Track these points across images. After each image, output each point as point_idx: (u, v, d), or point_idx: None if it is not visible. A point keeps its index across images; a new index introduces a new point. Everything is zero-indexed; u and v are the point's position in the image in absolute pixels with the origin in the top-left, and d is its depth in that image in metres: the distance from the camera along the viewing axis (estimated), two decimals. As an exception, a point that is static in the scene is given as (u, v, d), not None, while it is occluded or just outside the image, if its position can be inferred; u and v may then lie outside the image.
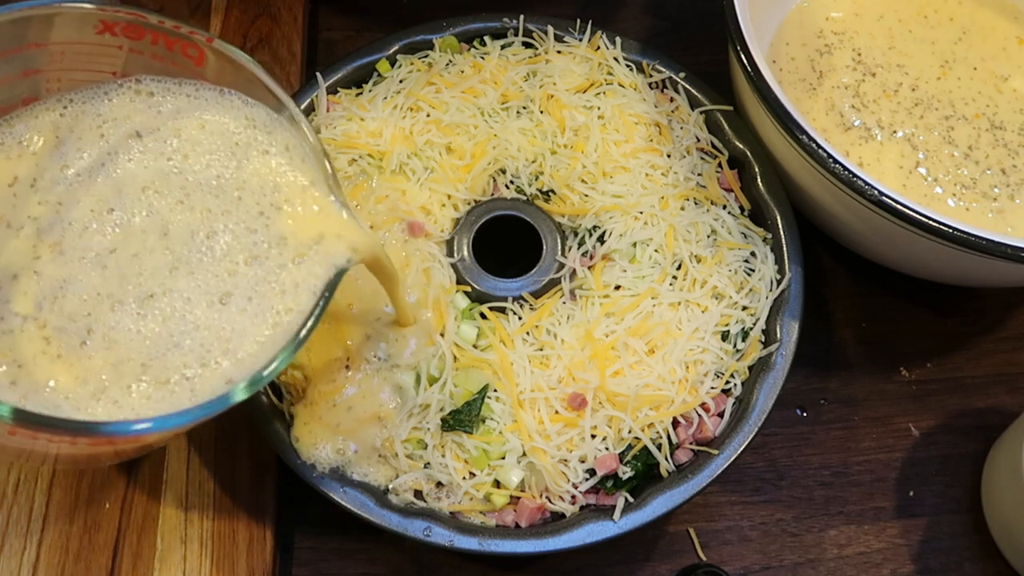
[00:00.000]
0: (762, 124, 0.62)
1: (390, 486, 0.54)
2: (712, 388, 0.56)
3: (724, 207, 0.62)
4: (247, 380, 0.42)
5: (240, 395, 0.42)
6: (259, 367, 0.42)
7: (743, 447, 0.55)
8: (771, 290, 0.59)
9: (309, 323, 0.43)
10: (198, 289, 0.44)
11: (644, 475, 0.55)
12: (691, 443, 0.56)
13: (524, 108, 0.63)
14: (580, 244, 0.60)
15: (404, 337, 0.54)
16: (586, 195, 0.60)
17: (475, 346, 0.56)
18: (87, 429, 0.39)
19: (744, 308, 0.59)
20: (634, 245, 0.59)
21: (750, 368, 0.58)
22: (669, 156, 0.62)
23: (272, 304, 0.44)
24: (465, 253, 0.58)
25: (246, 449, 0.62)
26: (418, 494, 0.55)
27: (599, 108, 0.63)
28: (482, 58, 0.65)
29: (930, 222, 0.53)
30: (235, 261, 0.45)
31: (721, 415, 0.57)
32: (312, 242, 0.45)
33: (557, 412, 0.54)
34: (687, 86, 0.66)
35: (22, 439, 0.40)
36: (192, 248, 0.45)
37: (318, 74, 0.64)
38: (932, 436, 0.67)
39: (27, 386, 0.41)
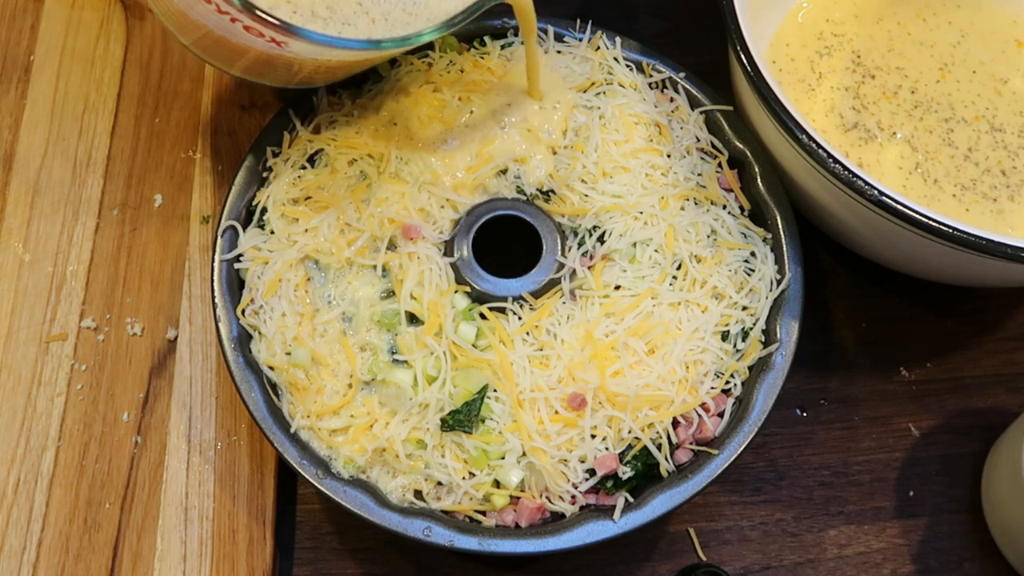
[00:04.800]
0: (762, 124, 0.62)
1: (390, 486, 0.54)
2: (712, 388, 0.56)
3: (724, 207, 0.62)
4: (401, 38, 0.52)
5: (394, 44, 0.52)
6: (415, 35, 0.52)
7: (743, 447, 0.55)
8: (771, 290, 0.59)
9: (459, 19, 0.53)
10: None
11: (644, 475, 0.55)
12: (691, 443, 0.56)
13: (524, 108, 0.63)
14: (580, 244, 0.60)
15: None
16: (586, 195, 0.60)
17: (475, 346, 0.56)
18: (288, 29, 0.48)
19: (744, 308, 0.59)
20: (634, 245, 0.59)
21: (750, 368, 0.58)
22: (669, 156, 0.62)
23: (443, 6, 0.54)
24: (465, 253, 0.58)
25: (246, 449, 0.62)
26: (418, 494, 0.55)
27: (599, 108, 0.63)
28: (482, 58, 0.65)
29: (930, 222, 0.53)
30: None
31: (721, 415, 0.57)
32: None
33: (557, 412, 0.54)
34: (687, 86, 0.66)
35: (238, 30, 0.50)
36: None
37: (318, 74, 0.64)
38: (932, 436, 0.67)
39: None
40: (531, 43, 0.61)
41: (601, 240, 0.59)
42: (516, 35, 0.67)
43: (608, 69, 0.65)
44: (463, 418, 0.54)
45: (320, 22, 0.52)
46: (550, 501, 0.54)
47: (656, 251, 0.59)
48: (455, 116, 0.62)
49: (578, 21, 0.67)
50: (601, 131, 0.62)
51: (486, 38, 0.67)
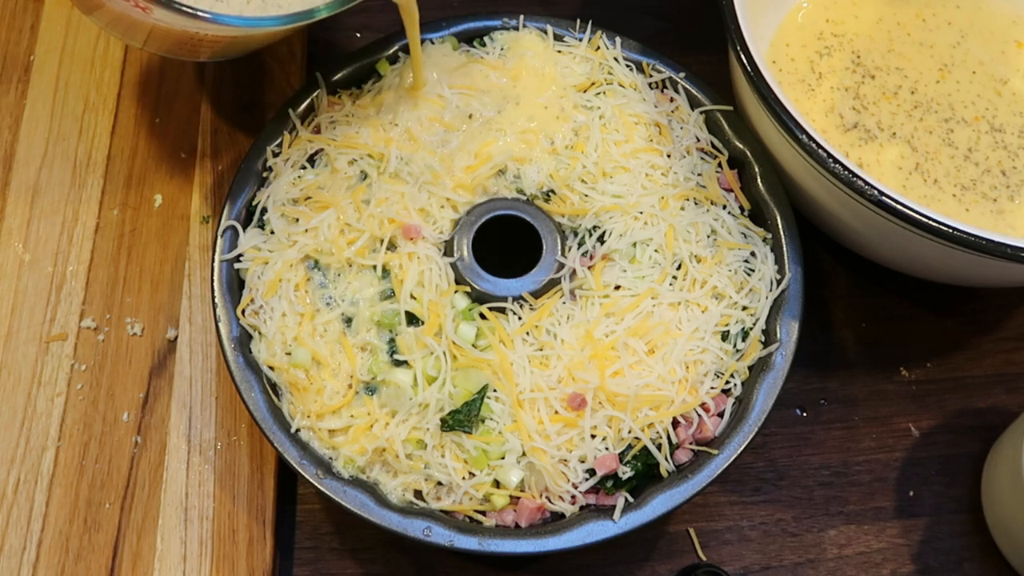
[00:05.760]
0: (762, 124, 0.62)
1: (390, 486, 0.54)
2: (712, 388, 0.56)
3: (724, 207, 0.62)
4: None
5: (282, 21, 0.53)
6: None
7: (743, 447, 0.55)
8: (771, 290, 0.59)
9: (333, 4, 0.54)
10: None
11: (644, 475, 0.55)
12: (691, 443, 0.56)
13: (524, 108, 0.63)
14: (580, 244, 0.60)
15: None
16: (586, 195, 0.60)
17: (475, 346, 0.56)
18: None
19: (744, 308, 0.59)
20: (634, 245, 0.59)
21: (750, 368, 0.58)
22: (669, 156, 0.62)
23: None
24: (465, 253, 0.58)
25: (246, 449, 0.62)
26: (418, 494, 0.55)
27: (599, 108, 0.63)
28: (482, 58, 0.65)
29: (930, 222, 0.53)
30: None
31: (721, 415, 0.57)
32: None
33: (557, 412, 0.54)
34: (687, 86, 0.66)
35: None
36: None
37: (318, 74, 0.64)
38: (932, 436, 0.67)
39: None
40: (413, 35, 0.61)
41: (601, 240, 0.59)
42: (516, 31, 0.67)
43: (608, 69, 0.65)
44: (463, 418, 0.54)
45: None
46: (550, 501, 0.54)
47: (656, 251, 0.59)
48: (455, 116, 0.62)
49: (578, 21, 0.67)
50: (601, 131, 0.62)
51: (486, 38, 0.67)
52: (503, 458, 0.54)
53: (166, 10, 0.49)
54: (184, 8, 0.49)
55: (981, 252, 0.54)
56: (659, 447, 0.55)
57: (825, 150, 0.55)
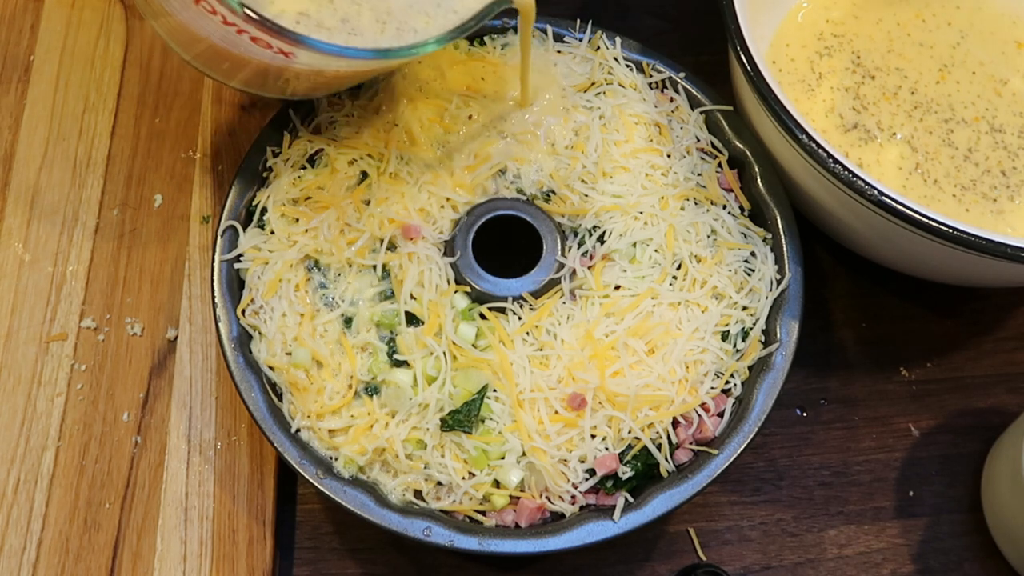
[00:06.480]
0: (762, 124, 0.62)
1: (390, 486, 0.54)
2: (712, 388, 0.56)
3: (724, 207, 0.62)
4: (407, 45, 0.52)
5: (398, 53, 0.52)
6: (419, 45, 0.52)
7: (743, 447, 0.55)
8: (771, 290, 0.59)
9: (468, 24, 0.53)
10: None
11: (644, 475, 0.55)
12: (691, 443, 0.56)
13: (524, 108, 0.63)
14: (580, 244, 0.60)
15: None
16: (586, 195, 0.60)
17: (474, 346, 0.56)
18: (298, 40, 0.48)
19: (744, 308, 0.59)
20: (634, 245, 0.59)
21: (750, 368, 0.58)
22: (669, 156, 0.62)
23: (453, 8, 0.54)
24: (465, 253, 0.58)
25: (246, 449, 0.62)
26: (418, 494, 0.55)
27: (599, 108, 0.63)
28: (483, 57, 0.65)
29: (930, 222, 0.53)
30: None
31: (721, 415, 0.57)
32: None
33: (557, 412, 0.54)
34: (687, 86, 0.66)
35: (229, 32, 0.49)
36: None
37: (318, 74, 0.64)
38: (932, 436, 0.67)
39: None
40: (527, 45, 0.60)
41: (601, 240, 0.59)
42: (516, 33, 0.67)
43: (608, 69, 0.66)
44: (463, 418, 0.54)
45: (326, 32, 0.51)
46: (550, 501, 0.54)
47: (656, 251, 0.59)
48: (456, 118, 0.62)
49: (578, 21, 0.67)
50: (601, 131, 0.62)
51: (486, 38, 0.67)
52: (503, 458, 0.54)
53: (312, 52, 0.49)
54: (326, 47, 0.48)
55: (981, 252, 0.54)
56: (659, 447, 0.55)
57: (825, 150, 0.55)
